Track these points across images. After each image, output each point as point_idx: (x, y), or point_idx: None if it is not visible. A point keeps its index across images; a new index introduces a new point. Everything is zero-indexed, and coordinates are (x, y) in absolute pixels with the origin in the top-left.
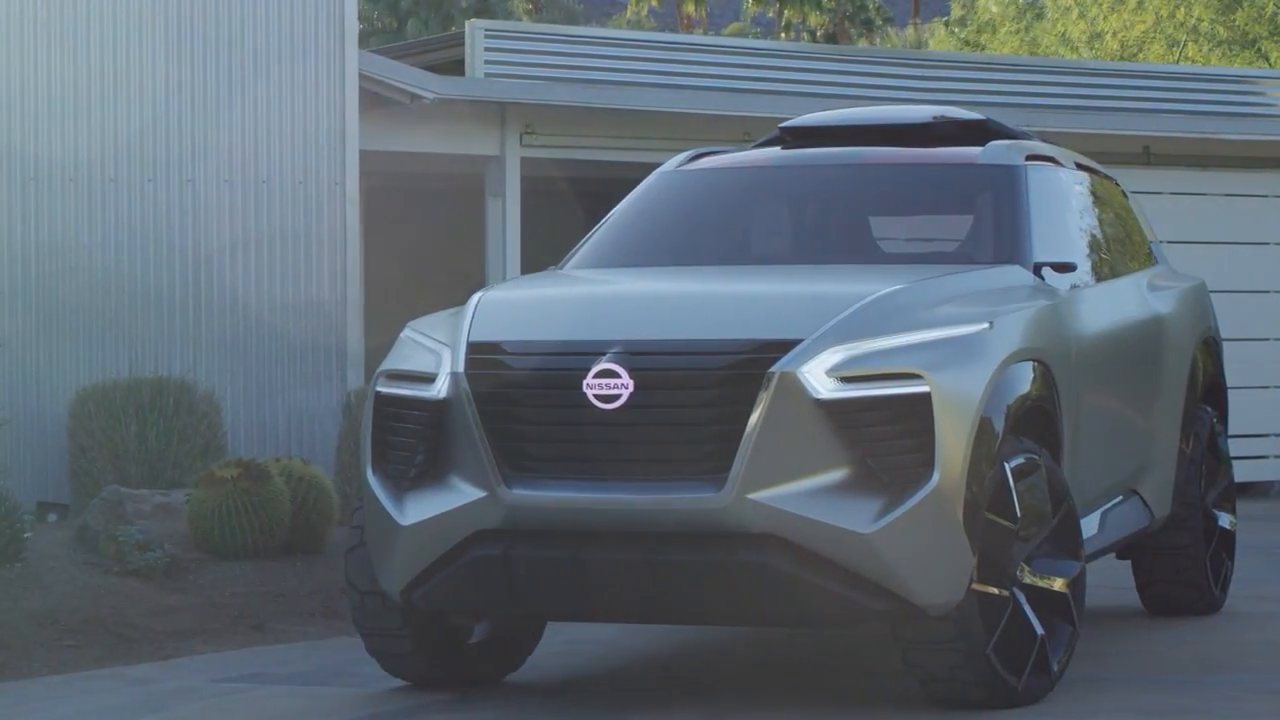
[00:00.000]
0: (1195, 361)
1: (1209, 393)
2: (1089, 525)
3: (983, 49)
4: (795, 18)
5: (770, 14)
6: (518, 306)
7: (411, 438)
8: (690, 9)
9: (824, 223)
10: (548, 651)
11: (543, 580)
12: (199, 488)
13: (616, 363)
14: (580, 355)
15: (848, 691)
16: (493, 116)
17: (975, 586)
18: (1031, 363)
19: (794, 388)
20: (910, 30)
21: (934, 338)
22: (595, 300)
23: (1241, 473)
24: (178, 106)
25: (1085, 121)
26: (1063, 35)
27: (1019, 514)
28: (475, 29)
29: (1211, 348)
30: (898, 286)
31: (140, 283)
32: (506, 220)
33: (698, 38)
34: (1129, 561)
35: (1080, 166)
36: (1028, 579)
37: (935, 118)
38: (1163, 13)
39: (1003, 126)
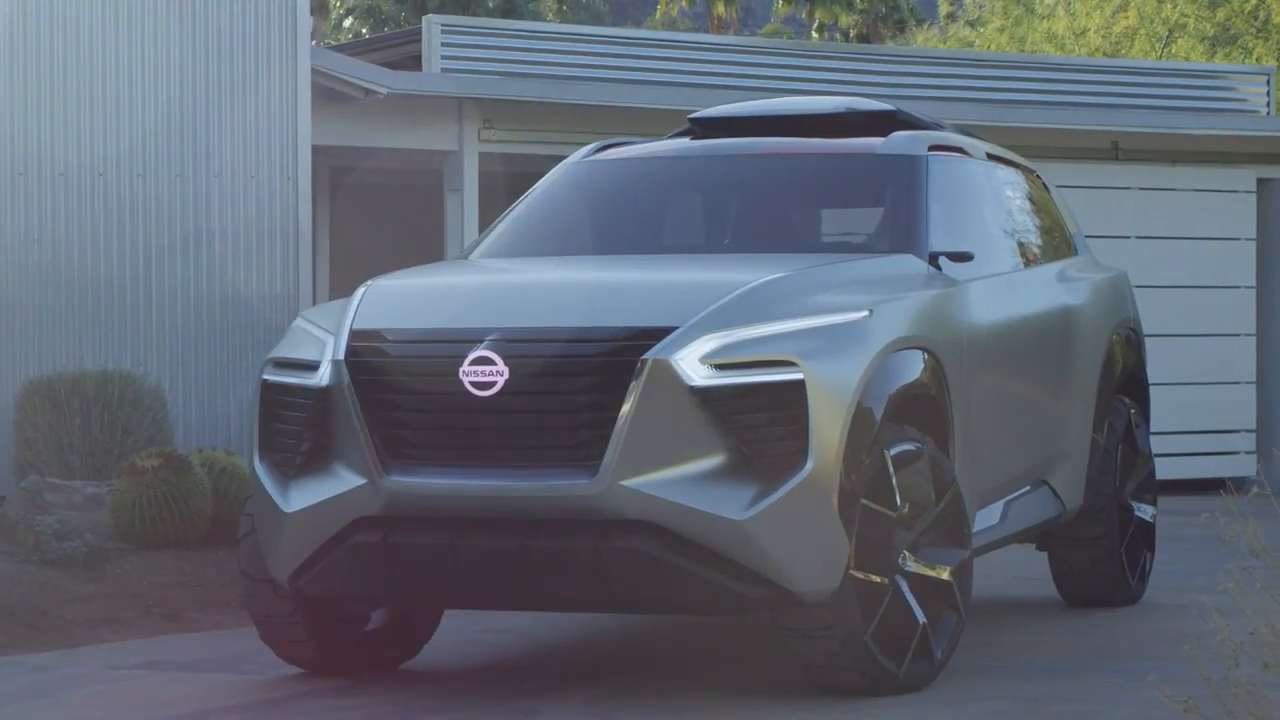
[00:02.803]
0: (1110, 352)
1: (1127, 384)
2: (990, 515)
3: (972, 45)
4: (827, 19)
5: (802, 15)
6: (402, 295)
7: (296, 425)
8: (720, 10)
9: (725, 213)
10: (457, 640)
11: (421, 567)
12: (121, 478)
13: (492, 350)
14: (457, 343)
15: (739, 679)
16: (450, 112)
17: (854, 574)
18: (917, 351)
19: (667, 375)
20: (934, 29)
21: (810, 325)
22: (476, 289)
23: (1212, 468)
24: (129, 101)
25: (1053, 117)
26: (1048, 32)
27: (899, 502)
28: (432, 24)
29: (1130, 339)
30: (778, 275)
31: (91, 276)
32: (465, 215)
33: (655, 33)
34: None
35: (993, 158)
36: (911, 567)
37: (845, 109)
38: (1146, 10)
39: (913, 117)
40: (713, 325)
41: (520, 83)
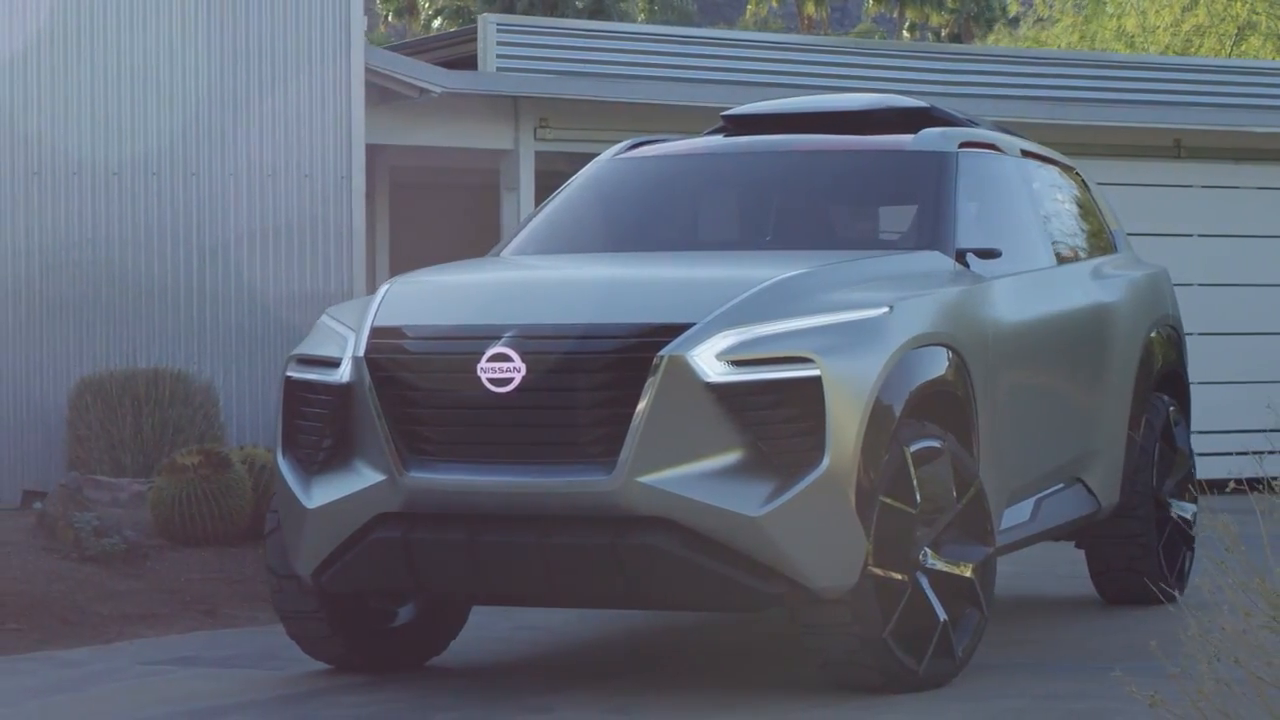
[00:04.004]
0: (1148, 349)
1: (1166, 381)
2: (1019, 512)
3: (1042, 44)
4: (918, 18)
5: (893, 15)
6: (424, 292)
7: (318, 422)
8: (811, 10)
9: (755, 210)
10: (486, 636)
11: (440, 562)
12: (162, 475)
13: (510, 347)
14: (475, 339)
15: (755, 675)
16: (506, 111)
17: (873, 570)
18: (940, 347)
19: (684, 371)
20: (1023, 28)
21: (828, 322)
22: (496, 286)
23: (1268, 468)
24: (183, 101)
25: (1115, 115)
26: (1118, 29)
27: (919, 498)
28: (488, 23)
29: (1170, 336)
30: (798, 271)
31: (145, 276)
32: (522, 213)
33: (711, 31)
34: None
35: (1029, 154)
36: (933, 563)
37: (878, 105)
38: (1216, 7)
39: (947, 114)
40: (730, 321)
41: (575, 81)
